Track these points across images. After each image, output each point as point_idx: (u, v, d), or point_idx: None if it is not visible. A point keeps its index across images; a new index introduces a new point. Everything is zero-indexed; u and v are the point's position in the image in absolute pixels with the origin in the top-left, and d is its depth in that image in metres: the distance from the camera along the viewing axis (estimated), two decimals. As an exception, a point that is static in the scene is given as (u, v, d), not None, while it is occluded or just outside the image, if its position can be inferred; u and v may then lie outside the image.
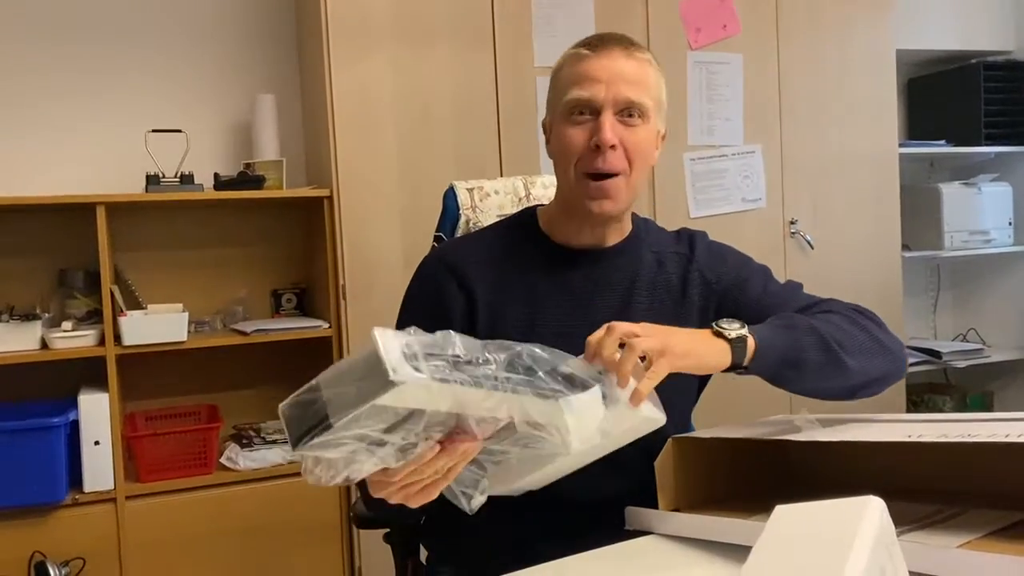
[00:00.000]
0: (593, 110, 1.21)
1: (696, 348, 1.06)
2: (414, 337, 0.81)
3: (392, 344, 0.78)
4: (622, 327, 0.98)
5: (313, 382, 0.80)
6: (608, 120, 1.19)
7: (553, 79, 1.29)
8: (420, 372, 0.77)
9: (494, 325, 1.25)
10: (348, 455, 0.81)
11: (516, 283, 1.28)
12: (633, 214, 1.36)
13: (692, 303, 1.31)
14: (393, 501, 0.90)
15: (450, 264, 1.29)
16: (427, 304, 1.28)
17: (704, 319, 1.30)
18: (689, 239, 1.38)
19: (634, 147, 1.21)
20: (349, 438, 0.79)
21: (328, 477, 0.82)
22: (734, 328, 1.09)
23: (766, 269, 1.39)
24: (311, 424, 0.78)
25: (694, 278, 1.32)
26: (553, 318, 1.26)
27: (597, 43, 1.23)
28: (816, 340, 1.15)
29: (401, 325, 1.28)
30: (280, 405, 0.81)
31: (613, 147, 1.20)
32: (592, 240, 1.29)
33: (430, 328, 1.23)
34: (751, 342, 1.09)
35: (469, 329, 1.25)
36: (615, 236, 1.31)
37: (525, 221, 1.35)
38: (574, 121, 1.22)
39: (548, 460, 0.95)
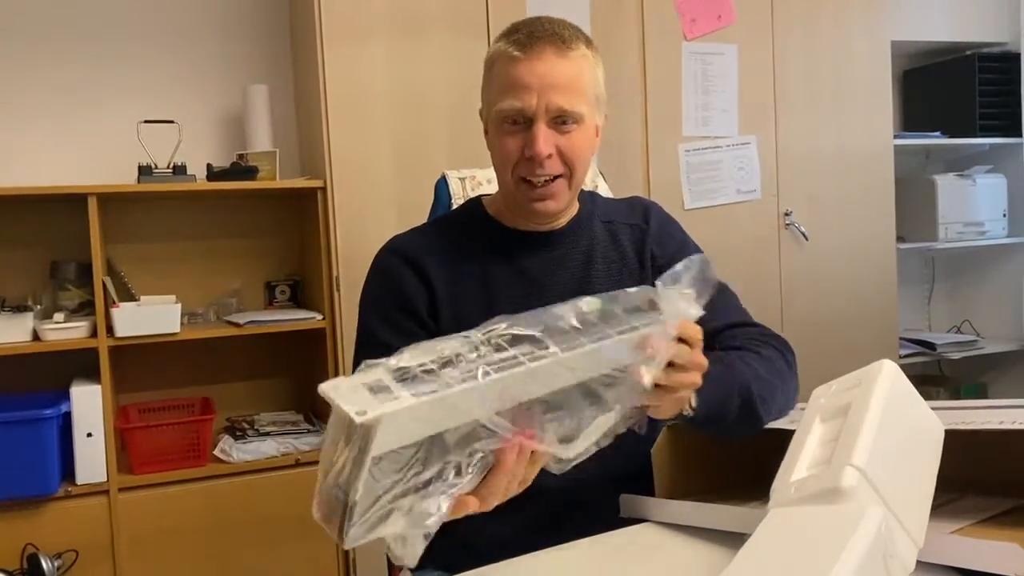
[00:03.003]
0: (526, 119, 1.18)
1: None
2: (383, 366, 0.71)
3: (346, 389, 0.69)
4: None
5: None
6: (541, 132, 1.17)
7: (486, 73, 1.25)
8: (394, 401, 0.68)
9: (455, 314, 1.25)
10: (406, 517, 0.73)
11: (472, 271, 1.27)
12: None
13: (648, 277, 1.31)
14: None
15: (406, 257, 1.28)
16: (391, 299, 1.26)
17: None
18: (644, 210, 1.37)
19: (570, 151, 1.19)
20: (386, 505, 0.71)
21: (411, 553, 0.75)
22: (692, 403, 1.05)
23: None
24: (340, 513, 0.70)
25: (649, 250, 1.32)
26: (511, 302, 1.25)
27: (527, 41, 1.17)
28: (743, 403, 1.11)
29: (367, 327, 1.28)
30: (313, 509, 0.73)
31: (549, 156, 1.18)
32: (541, 224, 1.30)
33: (400, 321, 1.23)
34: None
35: (432, 320, 1.25)
36: (564, 217, 1.31)
37: (472, 211, 1.35)
38: (508, 130, 1.20)
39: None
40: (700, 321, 1.29)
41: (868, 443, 0.81)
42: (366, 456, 0.66)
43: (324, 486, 0.70)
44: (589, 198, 1.37)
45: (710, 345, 1.27)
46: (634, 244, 1.33)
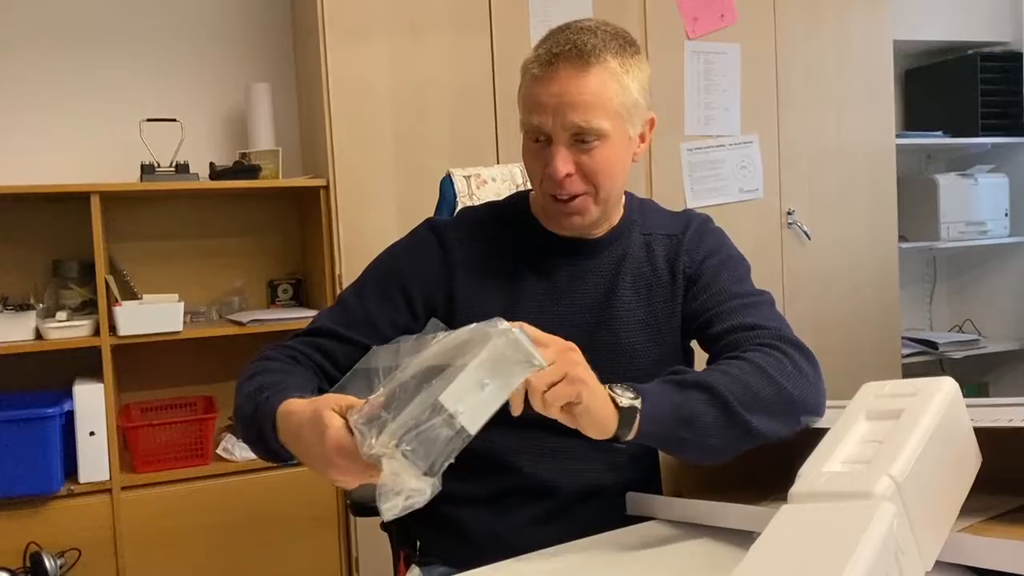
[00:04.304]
0: (546, 136, 1.17)
1: (596, 405, 0.94)
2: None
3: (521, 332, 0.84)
4: (540, 384, 0.89)
5: (433, 404, 0.80)
6: (559, 153, 1.15)
7: (521, 81, 1.23)
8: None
9: (472, 307, 1.23)
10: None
11: (499, 268, 1.26)
12: (630, 196, 1.33)
13: (679, 287, 1.27)
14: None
15: (441, 238, 1.28)
16: (400, 274, 1.26)
17: (683, 304, 1.26)
18: (686, 222, 1.32)
19: (592, 169, 1.17)
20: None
21: (419, 500, 0.82)
22: (627, 395, 0.98)
23: (735, 265, 1.29)
24: (444, 445, 0.79)
25: (681, 261, 1.28)
26: (532, 306, 1.24)
27: (547, 59, 1.15)
28: (709, 397, 1.03)
29: (365, 281, 1.28)
30: (398, 447, 0.80)
31: (569, 175, 1.16)
32: (580, 231, 1.27)
33: (395, 297, 1.24)
34: (638, 417, 0.98)
35: (446, 305, 1.24)
36: (605, 225, 1.28)
37: (517, 205, 1.33)
38: (531, 147, 1.19)
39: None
40: (705, 323, 1.23)
41: (912, 457, 0.81)
42: (513, 384, 0.82)
43: (435, 417, 0.79)
44: (637, 208, 1.33)
45: (712, 346, 1.22)
46: (667, 256, 1.28)
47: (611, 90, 1.15)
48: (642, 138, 1.24)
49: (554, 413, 0.90)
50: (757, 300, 1.24)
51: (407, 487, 0.80)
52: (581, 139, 1.16)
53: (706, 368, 1.12)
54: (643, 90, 1.20)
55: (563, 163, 1.15)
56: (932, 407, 0.88)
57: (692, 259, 1.28)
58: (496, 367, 0.81)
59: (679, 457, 1.09)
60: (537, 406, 0.89)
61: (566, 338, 0.96)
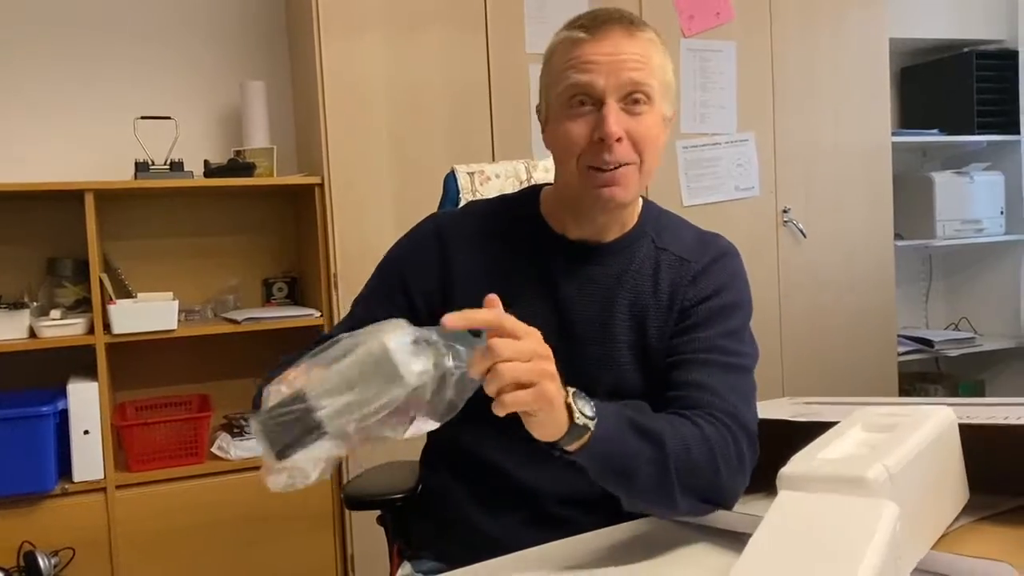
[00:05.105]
0: (594, 99, 1.10)
1: (550, 419, 0.91)
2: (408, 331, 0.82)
3: (398, 346, 0.79)
4: (506, 379, 0.85)
5: (295, 392, 0.79)
6: (612, 111, 1.08)
7: (546, 65, 1.18)
8: (422, 368, 0.79)
9: (467, 307, 1.20)
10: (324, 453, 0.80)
11: (500, 268, 1.21)
12: (647, 203, 1.27)
13: (672, 318, 1.19)
14: None
15: (442, 233, 1.24)
16: (399, 271, 1.24)
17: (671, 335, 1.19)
18: (705, 247, 1.23)
19: (642, 137, 1.10)
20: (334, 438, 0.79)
21: (301, 480, 0.81)
22: (585, 412, 0.93)
23: (734, 314, 1.19)
24: (299, 434, 0.78)
25: (682, 292, 1.19)
26: (529, 311, 1.14)
27: (593, 24, 1.11)
28: (657, 455, 0.99)
29: (371, 283, 1.28)
30: (255, 419, 0.80)
31: (620, 139, 1.09)
32: (591, 232, 1.20)
33: (393, 294, 1.23)
34: (587, 436, 0.94)
35: (443, 302, 1.19)
36: (616, 230, 1.21)
37: (527, 203, 1.27)
38: (574, 113, 1.11)
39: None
40: (673, 363, 1.14)
41: (905, 457, 0.83)
42: (383, 401, 0.78)
43: (298, 406, 0.78)
44: (654, 218, 1.26)
45: (666, 389, 1.14)
46: (672, 282, 1.20)
47: (656, 61, 1.13)
48: (666, 123, 1.18)
49: (503, 411, 0.86)
50: (735, 363, 1.15)
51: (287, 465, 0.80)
52: (633, 100, 1.10)
53: (665, 416, 1.06)
54: (673, 78, 1.18)
55: (617, 123, 1.09)
56: (927, 426, 0.91)
57: (694, 294, 1.19)
58: (365, 373, 0.78)
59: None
60: (491, 394, 0.86)
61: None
